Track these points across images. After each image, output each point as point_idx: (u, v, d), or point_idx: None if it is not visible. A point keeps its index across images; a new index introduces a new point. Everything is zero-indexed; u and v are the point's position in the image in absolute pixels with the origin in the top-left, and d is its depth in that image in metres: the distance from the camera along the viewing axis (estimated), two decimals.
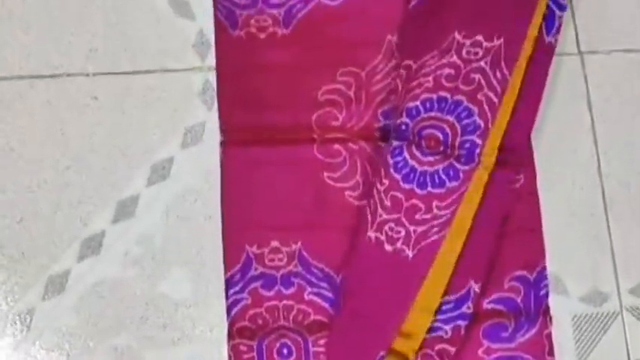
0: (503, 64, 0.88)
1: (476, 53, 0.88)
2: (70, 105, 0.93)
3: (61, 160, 0.92)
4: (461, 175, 0.87)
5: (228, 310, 0.90)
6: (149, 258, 0.91)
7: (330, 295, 0.89)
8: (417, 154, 0.88)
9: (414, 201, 0.87)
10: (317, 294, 0.90)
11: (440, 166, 0.87)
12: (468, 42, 0.88)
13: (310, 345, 0.88)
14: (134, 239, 0.91)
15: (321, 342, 0.88)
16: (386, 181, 0.88)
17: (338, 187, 0.92)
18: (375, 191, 0.88)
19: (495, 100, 0.88)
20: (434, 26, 0.91)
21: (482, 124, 0.87)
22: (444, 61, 0.89)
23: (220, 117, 0.93)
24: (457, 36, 0.89)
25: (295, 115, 0.92)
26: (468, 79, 0.88)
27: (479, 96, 0.88)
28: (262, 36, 0.94)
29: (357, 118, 0.93)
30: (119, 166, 0.92)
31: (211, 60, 0.95)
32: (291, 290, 0.90)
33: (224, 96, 0.94)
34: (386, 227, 0.88)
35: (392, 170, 0.88)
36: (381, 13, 0.94)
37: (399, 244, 0.87)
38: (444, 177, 0.87)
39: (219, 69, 0.94)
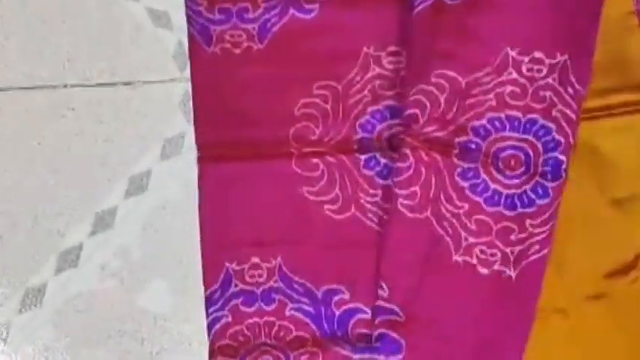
0: (573, 79, 0.85)
1: (539, 70, 0.85)
2: (48, 116, 0.92)
3: (38, 171, 0.91)
4: (550, 192, 0.85)
5: (209, 328, 0.88)
6: (127, 271, 0.90)
7: (311, 310, 0.88)
8: (500, 177, 0.85)
9: (506, 223, 0.85)
10: (298, 309, 0.88)
11: (527, 187, 0.85)
12: (525, 59, 0.85)
13: None
14: (112, 252, 0.90)
15: (303, 358, 0.87)
16: (464, 205, 0.85)
17: (317, 201, 0.90)
18: (447, 214, 0.86)
19: (573, 116, 0.85)
20: (477, 40, 0.86)
21: (563, 140, 0.85)
22: (503, 78, 0.85)
23: (196, 133, 0.92)
24: (511, 52, 0.85)
25: (272, 129, 0.91)
26: (537, 96, 0.85)
27: (553, 112, 0.85)
28: (237, 51, 0.92)
29: (335, 131, 0.91)
30: (97, 178, 0.91)
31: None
32: (272, 306, 0.88)
33: (200, 112, 0.92)
34: (476, 250, 0.86)
35: (469, 193, 0.85)
36: (357, 25, 0.93)
37: (496, 267, 0.85)
38: (532, 196, 0.85)
39: (195, 85, 0.92)
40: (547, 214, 0.86)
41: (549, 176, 0.85)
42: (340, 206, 0.90)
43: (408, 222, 0.88)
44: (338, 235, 0.90)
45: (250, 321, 0.88)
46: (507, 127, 0.85)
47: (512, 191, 0.85)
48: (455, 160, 0.86)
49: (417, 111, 0.87)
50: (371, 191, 0.90)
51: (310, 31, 0.92)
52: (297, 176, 0.91)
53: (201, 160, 0.91)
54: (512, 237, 0.85)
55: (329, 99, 0.92)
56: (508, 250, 0.85)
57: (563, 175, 0.86)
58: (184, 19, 0.93)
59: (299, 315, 0.88)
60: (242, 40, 0.93)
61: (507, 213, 0.85)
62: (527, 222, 0.85)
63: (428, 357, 0.87)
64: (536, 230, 0.85)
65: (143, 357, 0.88)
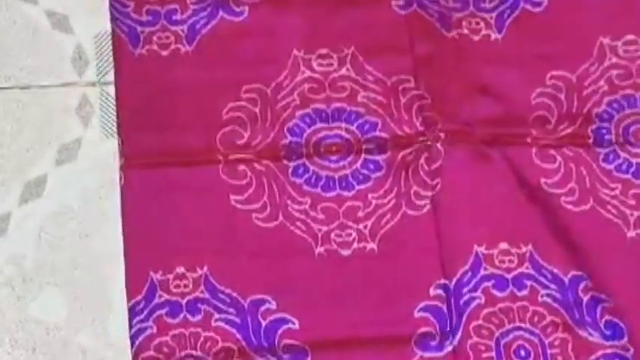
0: None
1: (636, 50, 0.91)
2: None
3: None
4: None
5: (132, 339, 0.84)
6: (20, 279, 0.86)
7: (237, 320, 0.85)
8: (637, 150, 0.89)
9: None
10: (224, 320, 0.85)
11: None
12: (618, 43, 0.92)
13: None
14: (4, 259, 0.86)
15: None
16: (617, 185, 0.88)
17: (245, 210, 0.88)
18: (607, 198, 0.88)
19: None
20: (572, 37, 0.92)
21: None
22: (606, 64, 0.91)
23: (121, 140, 0.89)
24: (604, 40, 0.92)
25: (199, 133, 0.89)
26: None
27: None
28: (165, 53, 0.91)
29: (263, 135, 0.89)
30: None
31: (89, 75, 0.92)
32: (198, 317, 0.85)
33: (125, 118, 0.89)
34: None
35: (617, 173, 0.89)
36: (287, 28, 0.92)
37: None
38: None
39: (120, 89, 0.90)
40: None
41: None
42: (268, 215, 0.88)
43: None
44: (265, 244, 0.87)
45: (175, 332, 0.84)
46: (625, 105, 0.90)
47: None
48: (595, 148, 0.89)
49: (545, 112, 0.90)
50: (299, 199, 0.88)
51: (239, 33, 0.91)
52: (225, 184, 0.88)
53: (125, 167, 0.88)
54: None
55: (258, 102, 0.90)
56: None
57: None
58: (84, 22, 0.92)
59: (225, 326, 0.85)
60: (170, 42, 0.91)
61: (635, 180, 0.89)
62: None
63: None
64: None
65: None
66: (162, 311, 0.85)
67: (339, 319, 0.86)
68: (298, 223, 0.88)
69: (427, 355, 0.85)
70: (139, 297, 0.85)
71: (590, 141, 0.90)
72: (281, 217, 0.88)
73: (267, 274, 0.87)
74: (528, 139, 0.90)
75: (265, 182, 0.88)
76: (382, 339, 0.86)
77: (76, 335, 0.86)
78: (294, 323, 0.86)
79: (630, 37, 0.92)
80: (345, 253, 0.87)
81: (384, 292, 0.87)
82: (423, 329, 0.86)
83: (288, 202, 0.88)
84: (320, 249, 0.87)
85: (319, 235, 0.88)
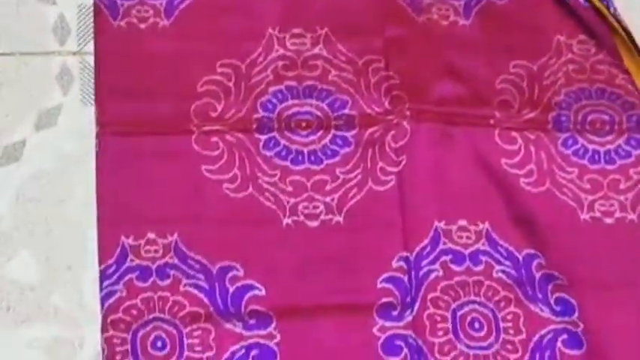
0: (613, 52, 0.94)
1: (588, 50, 0.94)
2: None
3: None
4: None
5: (102, 302, 0.86)
6: None
7: (205, 286, 0.87)
8: (594, 138, 0.92)
9: (612, 176, 0.91)
10: (193, 285, 0.86)
11: (620, 141, 0.92)
12: (573, 42, 0.95)
13: (185, 337, 0.85)
14: None
15: (196, 334, 0.85)
16: (574, 169, 0.91)
17: (215, 180, 0.89)
18: (564, 182, 0.91)
19: (632, 78, 0.93)
20: (533, 31, 0.96)
21: (637, 101, 0.93)
22: (563, 59, 0.94)
23: (98, 108, 0.90)
24: (560, 38, 0.94)
25: (174, 105, 0.90)
26: (596, 70, 0.94)
27: (617, 81, 0.93)
28: (143, 26, 0.92)
29: (236, 109, 0.91)
30: None
31: (70, 45, 0.92)
32: (167, 282, 0.86)
33: (102, 87, 0.90)
34: (596, 205, 0.91)
35: (574, 158, 0.92)
36: (263, 6, 0.94)
37: (618, 214, 0.90)
38: (628, 148, 0.92)
39: (98, 59, 0.91)
40: None
41: (636, 130, 0.92)
42: (238, 185, 0.89)
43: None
44: (234, 214, 0.88)
45: (144, 295, 0.86)
46: (582, 97, 0.93)
47: (608, 147, 0.91)
48: (554, 132, 0.92)
49: (509, 98, 0.93)
50: (269, 172, 0.90)
51: (216, 10, 0.93)
52: (197, 154, 0.89)
53: (100, 134, 0.89)
54: (622, 186, 0.90)
55: (232, 77, 0.91)
56: (622, 197, 0.90)
57: None
58: None
59: (193, 290, 0.86)
60: (149, 16, 0.92)
61: (609, 167, 0.91)
62: (631, 171, 0.91)
63: None
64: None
65: (7, 325, 0.86)
66: (133, 275, 0.86)
67: (304, 287, 0.88)
68: (267, 195, 0.89)
69: (388, 324, 0.87)
70: (111, 261, 0.87)
71: (550, 126, 0.92)
72: (251, 189, 0.90)
73: (236, 242, 0.88)
74: (492, 121, 0.92)
75: (237, 154, 0.90)
76: (345, 308, 0.87)
77: (49, 296, 0.87)
78: (260, 290, 0.87)
79: (582, 37, 0.95)
80: (312, 224, 0.89)
81: (349, 262, 0.89)
82: (385, 299, 0.87)
83: (259, 173, 0.90)
84: (287, 220, 0.89)
85: (287, 206, 0.89)
